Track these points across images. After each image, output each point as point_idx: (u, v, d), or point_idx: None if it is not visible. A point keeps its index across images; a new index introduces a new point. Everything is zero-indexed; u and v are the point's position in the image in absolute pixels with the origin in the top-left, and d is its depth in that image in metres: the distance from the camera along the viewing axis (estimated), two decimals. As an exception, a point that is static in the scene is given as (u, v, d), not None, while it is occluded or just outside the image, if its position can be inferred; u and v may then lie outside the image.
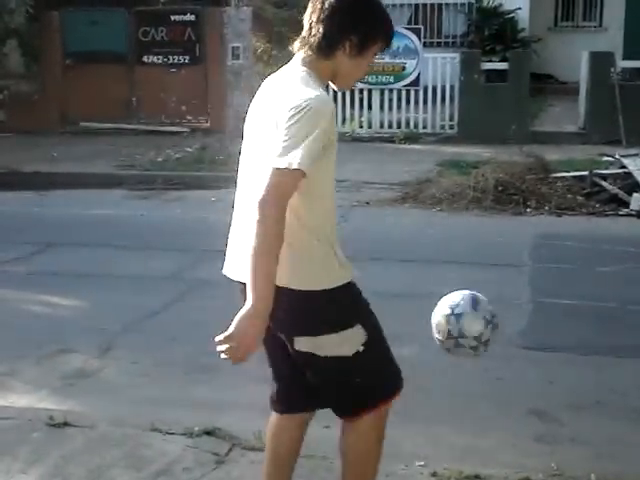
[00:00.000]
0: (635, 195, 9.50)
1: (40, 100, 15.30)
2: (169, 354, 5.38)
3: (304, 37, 2.74)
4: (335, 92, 13.91)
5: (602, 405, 4.63)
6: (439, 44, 18.71)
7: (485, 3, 18.66)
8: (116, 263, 7.61)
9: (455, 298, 3.00)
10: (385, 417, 2.89)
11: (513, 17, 18.34)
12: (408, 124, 14.58)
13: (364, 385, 2.78)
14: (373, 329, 2.79)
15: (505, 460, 3.88)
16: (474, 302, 2.97)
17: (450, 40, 19.13)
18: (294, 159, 2.51)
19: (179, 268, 7.40)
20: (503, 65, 14.58)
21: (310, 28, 2.72)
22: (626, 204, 9.54)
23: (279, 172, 2.52)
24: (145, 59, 15.42)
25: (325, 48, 2.68)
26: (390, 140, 14.15)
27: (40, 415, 4.19)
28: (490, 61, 15.48)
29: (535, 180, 10.01)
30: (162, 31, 15.25)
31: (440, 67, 14.39)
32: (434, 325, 2.98)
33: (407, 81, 14.42)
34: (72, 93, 15.21)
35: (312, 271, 2.67)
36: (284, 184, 2.52)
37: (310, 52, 2.71)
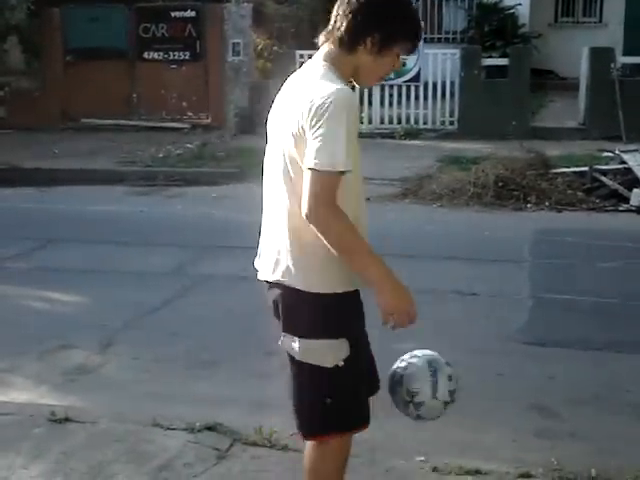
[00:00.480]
0: (635, 191, 9.51)
1: (41, 96, 15.30)
2: (170, 350, 5.39)
3: (329, 30, 2.72)
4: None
5: (602, 400, 4.64)
6: (439, 40, 18.71)
7: (485, -1, 18.67)
8: (117, 259, 7.62)
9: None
10: (346, 450, 2.83)
11: (513, 13, 18.33)
12: (408, 120, 14.57)
13: (332, 408, 2.71)
14: (357, 353, 2.71)
15: (505, 455, 3.89)
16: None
17: (450, 36, 19.13)
18: (333, 159, 2.50)
19: (180, 264, 7.41)
20: (503, 61, 14.57)
21: (335, 21, 2.70)
22: (626, 200, 9.54)
23: (321, 176, 2.51)
24: (146, 55, 15.42)
25: (347, 43, 2.66)
26: (390, 136, 14.15)
27: (41, 411, 4.20)
28: (490, 57, 15.46)
29: (535, 176, 10.01)
30: (162, 27, 15.24)
31: (440, 63, 14.38)
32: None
33: (407, 77, 14.40)
34: (73, 89, 15.21)
35: (317, 272, 2.65)
36: (328, 187, 2.52)
37: (333, 46, 2.69)
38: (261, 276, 2.79)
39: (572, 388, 4.77)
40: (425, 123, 14.51)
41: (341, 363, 2.67)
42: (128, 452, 3.79)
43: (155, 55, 15.40)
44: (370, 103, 14.48)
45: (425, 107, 14.52)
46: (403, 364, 2.88)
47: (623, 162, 10.31)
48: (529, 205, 9.57)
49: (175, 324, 5.83)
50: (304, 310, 2.66)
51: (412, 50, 2.75)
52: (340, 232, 2.54)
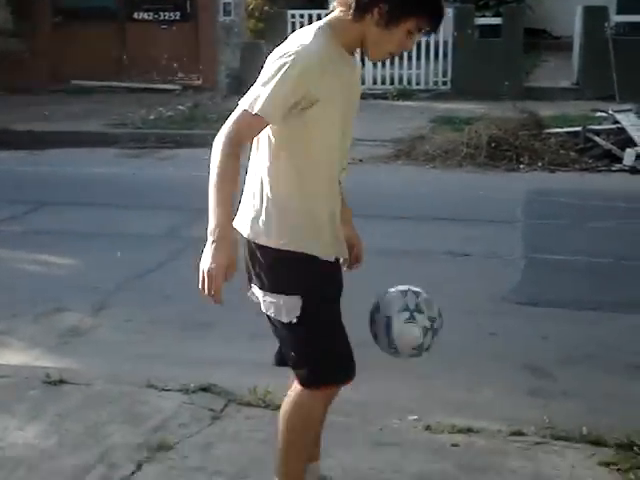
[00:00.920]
0: (628, 150, 9.50)
1: (30, 58, 15.16)
2: (164, 312, 5.40)
3: None
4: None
5: (595, 360, 4.66)
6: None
7: (478, -43, 18.47)
8: (110, 222, 7.61)
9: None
10: (318, 406, 2.83)
11: (507, -29, 18.16)
12: (401, 80, 14.49)
13: (297, 359, 2.75)
14: (318, 314, 2.69)
15: (498, 414, 3.92)
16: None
17: (443, -5, 18.93)
18: (255, 102, 2.52)
19: (173, 226, 7.40)
20: (497, 20, 14.48)
21: None
22: (619, 160, 9.54)
23: (240, 113, 2.55)
24: (135, 16, 15.29)
25: (355, 9, 2.57)
26: (383, 97, 14.08)
27: (36, 373, 4.21)
28: (484, 16, 15.36)
29: (528, 136, 9.99)
30: (152, -13, 15.10)
31: (433, 22, 14.27)
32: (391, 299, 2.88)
33: (400, 37, 14.30)
34: (62, 51, 15.07)
35: (269, 227, 2.67)
36: (241, 124, 2.54)
37: (342, 11, 2.62)
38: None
39: (565, 348, 4.80)
40: (418, 84, 14.44)
41: (294, 320, 2.67)
42: (123, 413, 3.81)
43: (145, 15, 15.27)
44: (363, 64, 14.35)
45: (418, 67, 14.45)
46: (378, 296, 2.90)
47: (616, 122, 10.29)
48: (522, 166, 9.56)
49: (169, 286, 5.84)
50: (259, 262, 2.71)
51: (429, 30, 2.61)
52: (222, 161, 2.53)
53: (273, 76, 2.51)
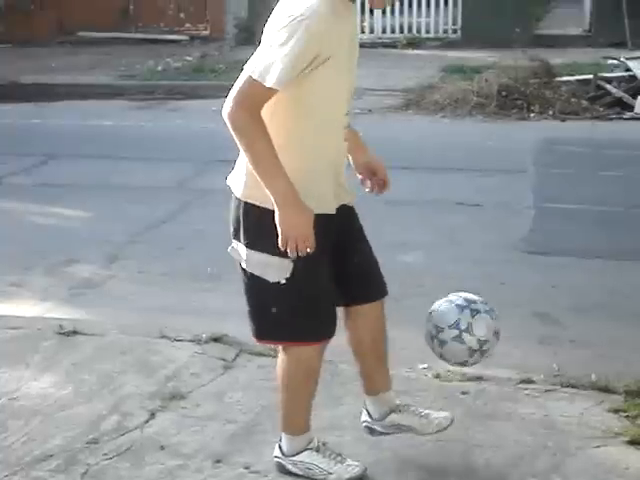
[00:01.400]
0: (640, 98, 9.42)
1: (36, 10, 15.06)
2: (175, 263, 5.43)
3: None
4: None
5: (604, 308, 4.68)
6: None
7: None
8: (119, 174, 7.61)
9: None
10: (311, 358, 2.83)
11: None
12: (411, 29, 14.36)
13: (279, 318, 2.74)
14: (305, 273, 2.67)
15: (507, 362, 3.94)
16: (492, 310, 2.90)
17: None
18: (266, 74, 2.47)
19: (182, 178, 7.40)
20: (507, -34, 14.26)
21: None
22: (630, 107, 9.46)
23: (254, 83, 2.49)
24: (142, -34, 15.11)
25: None
26: (393, 46, 13.97)
27: (50, 324, 4.24)
28: (494, -38, 15.12)
29: (539, 84, 9.92)
30: None
31: (443, -31, 14.09)
32: (440, 312, 2.89)
33: (409, -16, 14.14)
34: (68, 2, 14.94)
35: (260, 186, 2.60)
36: (255, 95, 2.50)
37: None
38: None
39: (574, 296, 4.81)
40: (428, 32, 14.31)
41: (283, 281, 2.67)
42: (136, 363, 3.85)
43: (152, -35, 15.09)
44: (371, 12, 14.23)
45: (427, 15, 14.29)
46: (440, 301, 2.92)
47: (628, 69, 10.18)
48: (532, 114, 9.50)
49: (180, 238, 5.86)
50: (251, 221, 2.67)
51: None
52: (254, 139, 2.51)
53: (283, 44, 2.45)
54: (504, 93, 9.72)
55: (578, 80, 10.23)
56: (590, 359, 4.03)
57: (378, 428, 3.06)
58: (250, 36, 13.52)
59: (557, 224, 6.09)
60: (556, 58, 11.23)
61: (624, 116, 9.38)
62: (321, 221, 2.64)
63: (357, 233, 2.92)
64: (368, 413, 3.07)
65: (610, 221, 6.12)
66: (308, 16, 2.46)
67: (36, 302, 4.86)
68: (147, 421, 3.35)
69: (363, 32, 14.22)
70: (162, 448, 3.16)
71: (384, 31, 14.35)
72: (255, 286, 2.75)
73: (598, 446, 3.16)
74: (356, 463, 2.91)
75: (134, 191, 7.05)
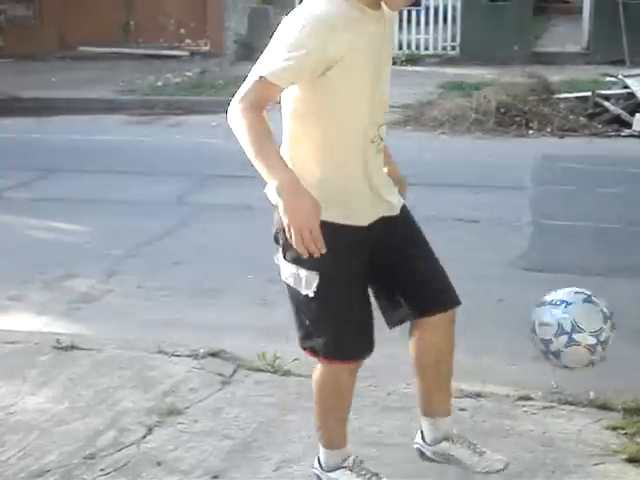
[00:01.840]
0: (638, 115, 9.45)
1: (38, 24, 15.12)
2: (174, 278, 5.42)
3: None
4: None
5: (602, 324, 4.67)
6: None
7: None
8: (118, 189, 7.62)
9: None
10: (340, 375, 2.77)
11: None
12: (410, 45, 14.41)
13: (311, 331, 2.70)
14: (331, 289, 2.60)
15: (505, 379, 3.94)
16: (586, 296, 2.77)
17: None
18: (267, 67, 2.45)
19: (181, 193, 7.41)
20: (506, -16, 14.34)
21: None
22: (628, 125, 9.49)
23: (255, 79, 2.47)
24: (143, -18, 15.17)
25: None
26: (392, 62, 13.97)
27: (47, 339, 4.24)
28: (493, -20, 15.21)
29: (537, 101, 9.95)
30: (159, -48, 14.98)
31: (442, -14, 14.15)
32: (539, 324, 2.78)
33: (409, 1, 14.19)
34: (70, 17, 15.00)
35: None
36: (256, 90, 2.46)
37: None
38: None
39: (572, 313, 4.80)
40: (427, 49, 14.36)
41: (311, 294, 2.62)
42: (134, 378, 3.84)
43: (152, -19, 15.16)
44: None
45: (427, 32, 14.35)
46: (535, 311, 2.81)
47: (626, 87, 10.22)
48: (531, 131, 9.53)
49: (178, 253, 5.86)
50: (281, 231, 2.59)
51: None
52: (248, 129, 2.44)
53: (287, 43, 2.45)
54: (503, 110, 9.75)
55: (576, 97, 10.27)
56: (588, 376, 4.00)
57: (427, 453, 2.97)
58: (250, 52, 13.59)
59: (555, 241, 6.09)
60: (555, 75, 11.28)
61: (622, 133, 9.41)
62: (347, 232, 2.60)
63: (407, 241, 2.84)
64: (422, 434, 2.99)
65: (608, 238, 6.13)
66: (308, 18, 2.46)
67: (34, 316, 4.86)
68: (144, 437, 3.34)
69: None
70: (159, 464, 3.15)
71: (383, 47, 14.40)
72: (292, 296, 2.71)
73: (596, 464, 3.15)
74: None
75: (133, 206, 7.06)
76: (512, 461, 3.13)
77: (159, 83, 12.68)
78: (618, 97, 10.07)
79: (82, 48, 15.06)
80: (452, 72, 12.98)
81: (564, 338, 2.71)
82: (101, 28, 14.81)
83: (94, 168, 8.29)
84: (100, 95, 12.02)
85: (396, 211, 2.81)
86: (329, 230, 2.47)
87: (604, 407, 3.57)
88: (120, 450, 3.24)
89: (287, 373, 3.88)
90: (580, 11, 14.41)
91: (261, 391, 3.69)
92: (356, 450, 2.94)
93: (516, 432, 3.39)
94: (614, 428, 3.40)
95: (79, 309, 4.98)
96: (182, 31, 15.08)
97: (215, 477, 3.06)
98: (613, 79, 11.00)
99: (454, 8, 14.11)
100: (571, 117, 9.76)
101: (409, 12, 14.24)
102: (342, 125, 2.60)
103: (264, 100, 2.49)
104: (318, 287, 2.61)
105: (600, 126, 9.58)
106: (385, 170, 2.87)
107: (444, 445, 2.93)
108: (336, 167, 2.62)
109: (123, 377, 3.85)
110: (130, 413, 3.52)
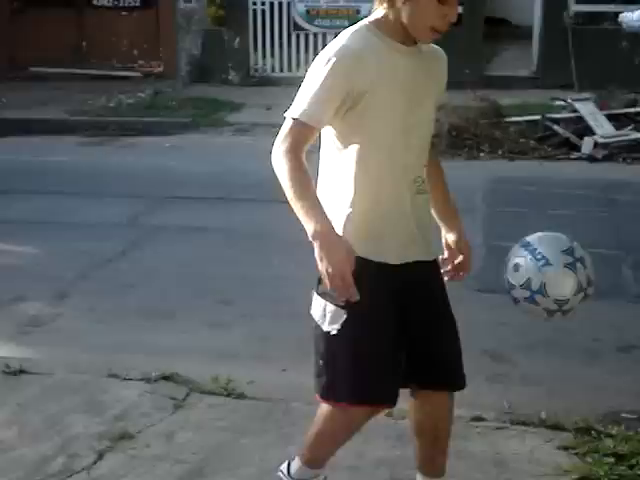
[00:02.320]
0: (586, 139, 9.60)
1: (-13, 45, 14.93)
2: (125, 301, 5.37)
3: None
4: (289, 36, 13.81)
5: (553, 345, 4.73)
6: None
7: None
8: (69, 210, 7.54)
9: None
10: (355, 419, 2.73)
11: (467, -41, 18.21)
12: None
13: (326, 371, 2.63)
14: (355, 327, 2.55)
15: (458, 400, 3.94)
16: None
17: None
18: (297, 109, 2.48)
19: (133, 215, 7.35)
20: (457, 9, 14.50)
21: None
22: (577, 148, 9.63)
23: (287, 122, 2.50)
24: (95, 2, 15.07)
25: None
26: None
27: (-5, 363, 4.17)
28: (444, 5, 15.38)
29: (489, 125, 10.07)
30: (112, -27, 14.92)
31: (394, 11, 14.30)
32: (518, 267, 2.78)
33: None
34: (20, 37, 14.84)
35: None
36: (291, 133, 2.48)
37: (377, 5, 2.59)
38: None
39: (523, 333, 4.85)
40: (379, 72, 14.44)
41: (334, 332, 2.56)
42: (84, 403, 3.79)
43: (105, 2, 15.07)
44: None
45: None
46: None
47: (575, 111, 10.38)
48: (482, 154, 9.63)
49: (130, 275, 5.81)
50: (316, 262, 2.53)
51: None
52: (287, 172, 2.45)
53: (314, 81, 2.48)
54: (454, 133, 9.84)
55: (527, 121, 10.40)
56: (540, 396, 4.07)
57: None
58: (203, 73, 13.57)
59: (507, 262, 6.15)
60: (505, 98, 11.42)
61: (571, 156, 9.55)
62: (373, 268, 2.56)
63: (431, 303, 2.84)
64: None
65: (559, 259, 6.20)
66: (333, 54, 2.49)
67: (-18, 340, 4.78)
68: (95, 462, 3.30)
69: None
70: (110, 490, 3.11)
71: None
72: (314, 331, 2.64)
73: (548, 484, 3.18)
74: None
75: (85, 228, 6.98)
76: (465, 482, 3.15)
77: (112, 104, 12.60)
78: (567, 121, 10.22)
79: (33, 69, 14.91)
80: (405, 95, 13.08)
81: (526, 292, 2.72)
82: (52, 49, 14.66)
83: (45, 189, 8.20)
84: (52, 116, 11.89)
85: (432, 256, 2.80)
86: (359, 264, 2.44)
87: (555, 427, 3.60)
88: (70, 476, 3.20)
89: (241, 396, 3.86)
90: (530, 36, 14.64)
91: (214, 415, 3.66)
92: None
93: (469, 453, 3.41)
94: (565, 448, 3.44)
95: (28, 333, 4.90)
96: (135, 52, 15.01)
97: (167, 502, 3.03)
98: (562, 103, 11.17)
99: (406, 32, 14.26)
100: (521, 140, 9.89)
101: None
102: (377, 159, 2.58)
103: (301, 142, 2.49)
104: (341, 326, 2.55)
105: (550, 149, 9.72)
106: (451, 237, 3.04)
107: None
108: (368, 200, 2.58)
109: (73, 401, 3.80)
110: (80, 438, 3.47)
